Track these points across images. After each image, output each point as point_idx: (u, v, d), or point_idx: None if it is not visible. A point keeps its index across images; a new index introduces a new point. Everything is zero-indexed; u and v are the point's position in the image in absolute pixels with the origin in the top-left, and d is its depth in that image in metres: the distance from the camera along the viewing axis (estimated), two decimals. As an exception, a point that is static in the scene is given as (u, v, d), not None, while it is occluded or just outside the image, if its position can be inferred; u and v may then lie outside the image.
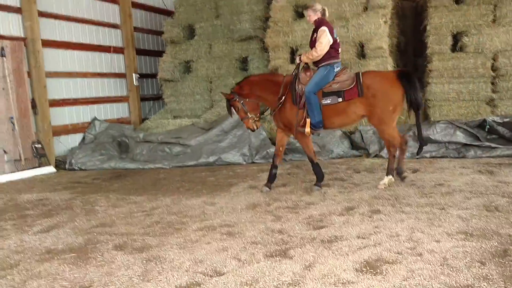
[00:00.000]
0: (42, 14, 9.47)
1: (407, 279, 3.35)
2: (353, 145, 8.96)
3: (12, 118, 8.83)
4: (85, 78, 10.78)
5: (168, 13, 12.95)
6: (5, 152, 8.68)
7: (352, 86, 5.90)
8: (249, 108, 6.25)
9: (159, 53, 12.03)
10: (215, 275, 3.64)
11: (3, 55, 8.60)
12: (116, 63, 11.77)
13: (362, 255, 3.83)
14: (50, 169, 9.22)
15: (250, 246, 4.20)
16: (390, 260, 3.69)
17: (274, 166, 6.28)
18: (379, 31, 9.27)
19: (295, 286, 3.35)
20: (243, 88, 6.30)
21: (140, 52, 12.57)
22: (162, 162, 9.06)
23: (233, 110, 6.39)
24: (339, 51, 6.12)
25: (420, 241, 4.06)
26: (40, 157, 9.27)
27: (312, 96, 5.89)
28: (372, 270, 3.53)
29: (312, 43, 6.02)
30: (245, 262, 3.85)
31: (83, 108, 10.73)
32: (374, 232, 4.36)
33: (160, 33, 12.15)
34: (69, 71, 10.34)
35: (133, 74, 12.07)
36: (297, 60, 6.16)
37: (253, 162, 8.85)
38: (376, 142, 8.58)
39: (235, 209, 5.53)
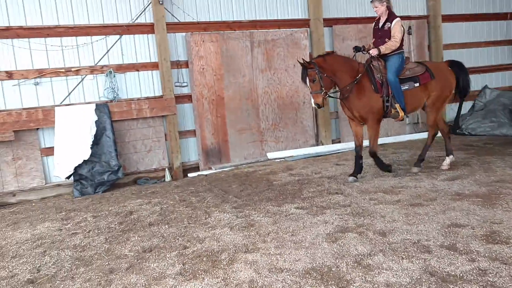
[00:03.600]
0: (442, -9, 10.43)
1: None
2: None
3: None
4: (478, 47, 11.15)
5: None
6: (407, 116, 10.28)
7: (424, 71, 6.46)
8: (325, 83, 6.11)
9: None
10: None
11: (409, 33, 10.10)
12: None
13: None
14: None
15: None
16: None
17: (359, 157, 6.53)
18: None
19: None
20: (327, 62, 6.20)
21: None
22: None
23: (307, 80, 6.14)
24: None
25: None
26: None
27: (398, 81, 6.29)
28: None
29: (383, 33, 6.43)
30: None
31: (474, 77, 11.13)
32: None
33: None
34: (463, 42, 10.97)
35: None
36: (375, 52, 6.30)
37: None
38: None
39: None
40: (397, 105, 6.35)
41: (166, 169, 8.18)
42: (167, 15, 8.11)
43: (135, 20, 8.00)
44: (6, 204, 7.19)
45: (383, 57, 6.43)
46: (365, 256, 3.84)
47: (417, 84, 6.46)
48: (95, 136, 7.46)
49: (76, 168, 7.31)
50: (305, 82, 6.21)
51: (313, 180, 6.76)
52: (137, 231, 5.09)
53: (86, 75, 7.73)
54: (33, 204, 7.03)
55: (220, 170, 8.36)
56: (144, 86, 8.16)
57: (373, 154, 6.54)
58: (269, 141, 9.15)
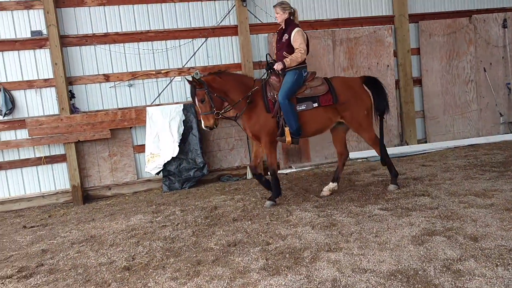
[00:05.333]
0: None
1: None
2: None
3: (508, 84, 9.61)
4: None
5: None
6: (501, 115, 9.62)
7: (326, 91, 5.79)
8: (215, 103, 5.61)
9: None
10: None
11: (505, 26, 9.42)
12: None
13: None
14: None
15: None
16: None
17: (259, 176, 6.11)
18: None
19: None
20: (217, 81, 5.67)
21: None
22: None
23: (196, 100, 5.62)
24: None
25: None
26: (531, 121, 9.67)
27: (287, 103, 5.61)
28: None
29: (281, 45, 5.82)
30: None
31: None
32: None
33: None
34: None
35: None
36: (280, 66, 5.66)
37: None
38: None
39: None
40: (286, 129, 5.68)
41: (248, 167, 8.38)
42: (250, 16, 8.31)
43: (220, 22, 8.29)
44: (103, 196, 7.81)
45: (282, 71, 5.76)
46: (455, 261, 3.67)
47: (315, 104, 5.76)
48: (183, 134, 7.85)
49: (165, 165, 7.75)
50: (195, 103, 5.71)
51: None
52: (221, 225, 5.29)
53: (175, 76, 8.16)
54: (127, 198, 7.57)
55: (300, 169, 8.40)
56: (227, 86, 8.42)
57: (272, 173, 5.90)
58: (350, 140, 9.01)
